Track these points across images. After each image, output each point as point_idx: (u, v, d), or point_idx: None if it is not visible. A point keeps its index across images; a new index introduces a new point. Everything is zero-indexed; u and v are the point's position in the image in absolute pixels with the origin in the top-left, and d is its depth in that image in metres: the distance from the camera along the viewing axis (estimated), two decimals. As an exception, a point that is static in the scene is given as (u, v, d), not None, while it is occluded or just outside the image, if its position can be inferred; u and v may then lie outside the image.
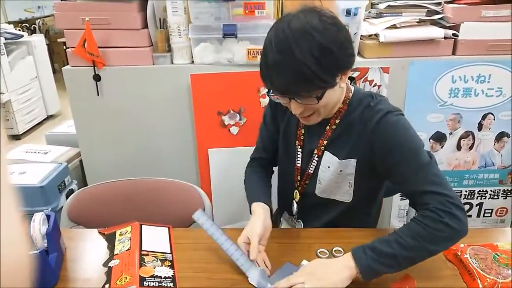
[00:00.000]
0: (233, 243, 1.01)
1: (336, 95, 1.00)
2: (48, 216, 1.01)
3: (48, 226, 0.98)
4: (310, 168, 1.13)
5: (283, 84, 0.91)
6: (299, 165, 1.16)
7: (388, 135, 0.99)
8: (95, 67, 1.76)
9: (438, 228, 0.88)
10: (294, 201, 1.21)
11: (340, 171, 1.08)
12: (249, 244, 0.98)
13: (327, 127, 1.08)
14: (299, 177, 1.17)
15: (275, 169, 1.33)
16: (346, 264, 0.90)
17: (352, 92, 1.07)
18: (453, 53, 1.79)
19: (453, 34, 1.74)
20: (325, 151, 1.09)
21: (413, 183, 0.95)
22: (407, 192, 0.99)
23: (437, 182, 0.92)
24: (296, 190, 1.19)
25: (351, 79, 1.09)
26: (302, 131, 1.14)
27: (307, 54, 0.85)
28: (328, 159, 1.09)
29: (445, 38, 1.75)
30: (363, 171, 1.07)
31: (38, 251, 0.91)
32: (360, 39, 1.78)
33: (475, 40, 1.75)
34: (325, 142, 1.09)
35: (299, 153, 1.15)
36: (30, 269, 0.32)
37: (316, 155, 1.11)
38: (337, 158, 1.07)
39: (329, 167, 1.09)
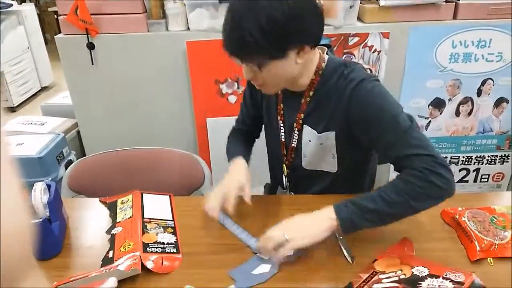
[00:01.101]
0: (238, 225, 1.04)
1: (290, 69, 0.97)
2: (48, 186, 1.01)
3: (50, 195, 0.98)
4: (293, 142, 1.13)
5: (231, 48, 0.93)
6: (283, 139, 1.16)
7: (365, 103, 0.96)
8: (89, 35, 1.72)
9: (423, 185, 0.87)
10: (283, 175, 1.21)
11: (321, 144, 1.07)
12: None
13: (302, 100, 1.07)
14: (285, 151, 1.17)
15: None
16: (326, 215, 0.90)
17: (326, 61, 1.04)
18: (454, 17, 1.76)
19: (454, -3, 1.71)
20: (304, 125, 1.09)
21: (396, 149, 0.93)
22: (392, 159, 0.96)
23: (420, 145, 0.91)
24: (283, 164, 1.20)
25: (328, 46, 1.07)
26: (282, 105, 1.13)
27: (252, 23, 0.87)
28: (308, 132, 1.08)
29: (446, 1, 1.72)
30: (344, 142, 1.05)
31: (41, 220, 0.92)
32: (360, 3, 1.74)
33: (476, 4, 1.72)
34: (302, 116, 1.08)
35: (281, 127, 1.15)
36: (32, 236, 0.32)
37: (296, 129, 1.10)
38: (315, 132, 1.06)
39: (310, 141, 1.09)
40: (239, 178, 1.05)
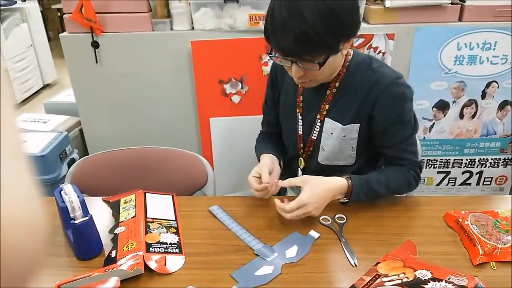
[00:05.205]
0: (242, 227, 1.04)
1: (337, 61, 1.00)
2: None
3: (78, 195, 0.95)
4: (313, 135, 1.14)
5: (288, 45, 0.88)
6: (300, 132, 1.16)
7: (393, 104, 1.03)
8: (93, 34, 1.72)
9: (410, 183, 1.10)
10: (299, 168, 1.21)
11: (344, 136, 1.09)
12: (259, 177, 1.06)
13: (328, 91, 1.08)
14: (302, 145, 1.18)
15: None
16: (340, 191, 1.03)
17: (352, 55, 1.07)
18: (460, 20, 1.75)
19: (460, 0, 1.70)
20: (326, 118, 1.10)
21: (395, 150, 1.09)
22: (387, 154, 1.11)
23: (413, 152, 1.10)
24: (300, 158, 1.20)
25: None
26: (301, 98, 1.13)
27: (315, 17, 0.84)
28: (331, 125, 1.09)
29: (452, 3, 1.71)
30: (364, 135, 1.09)
31: (87, 218, 0.91)
32: (366, 4, 1.73)
33: (482, 6, 1.71)
34: (326, 107, 1.09)
35: (299, 120, 1.15)
36: (47, 230, 0.31)
37: (319, 121, 1.11)
38: (340, 124, 1.08)
39: (331, 134, 1.10)
40: (260, 165, 1.10)
